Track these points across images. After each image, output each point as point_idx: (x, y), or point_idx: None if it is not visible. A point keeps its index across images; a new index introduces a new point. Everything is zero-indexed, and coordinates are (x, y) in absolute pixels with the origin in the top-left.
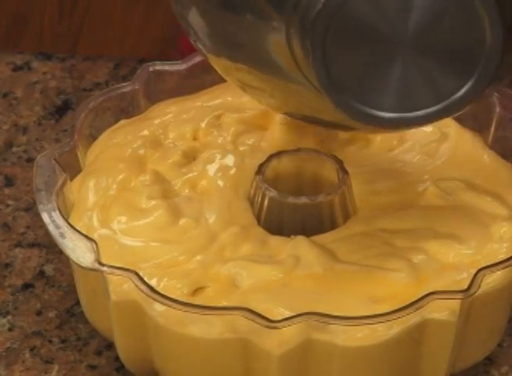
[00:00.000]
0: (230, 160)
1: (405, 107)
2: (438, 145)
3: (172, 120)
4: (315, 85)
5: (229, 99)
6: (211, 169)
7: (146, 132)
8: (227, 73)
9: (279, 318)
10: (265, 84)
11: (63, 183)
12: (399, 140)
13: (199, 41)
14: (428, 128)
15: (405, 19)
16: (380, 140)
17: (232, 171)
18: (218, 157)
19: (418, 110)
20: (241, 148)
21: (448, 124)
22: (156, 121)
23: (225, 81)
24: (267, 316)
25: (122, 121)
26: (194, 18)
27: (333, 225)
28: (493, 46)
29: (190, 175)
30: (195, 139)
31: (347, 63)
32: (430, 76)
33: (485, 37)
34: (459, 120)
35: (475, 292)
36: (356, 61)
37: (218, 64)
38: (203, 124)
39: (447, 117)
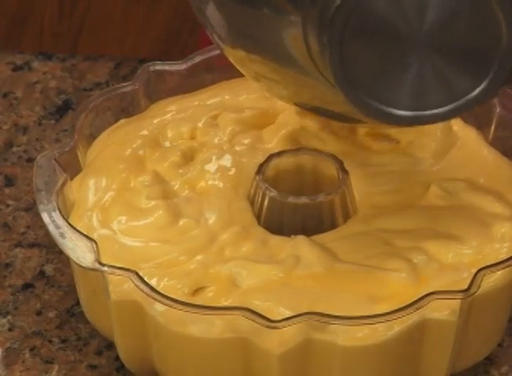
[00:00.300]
0: (229, 160)
1: (420, 106)
2: (444, 143)
3: (170, 119)
4: (330, 81)
5: (227, 97)
6: (210, 169)
7: (145, 132)
8: (242, 64)
9: (280, 318)
10: (280, 76)
11: (63, 183)
12: (404, 139)
13: (215, 34)
14: (434, 126)
15: (421, 17)
16: (386, 139)
17: (232, 171)
18: (217, 157)
19: (432, 108)
20: (239, 148)
21: (454, 122)
22: (155, 121)
23: (224, 79)
24: (267, 315)
25: (122, 121)
26: (211, 11)
27: (333, 225)
28: (509, 46)
29: (189, 175)
30: (192, 138)
31: (363, 61)
32: (445, 75)
33: (501, 36)
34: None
35: (475, 292)
36: (372, 58)
37: (234, 55)
38: (200, 124)
39: (460, 115)
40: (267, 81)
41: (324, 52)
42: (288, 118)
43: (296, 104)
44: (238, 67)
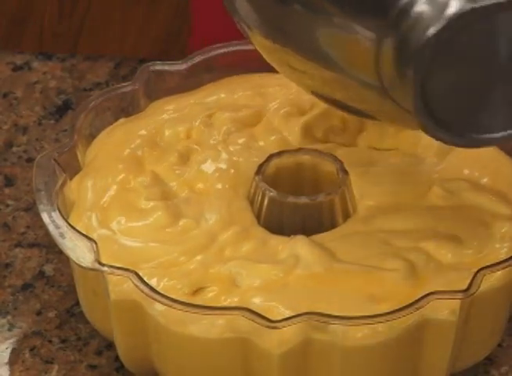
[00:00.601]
0: (226, 160)
1: (507, 125)
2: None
3: (167, 118)
4: (405, 107)
5: (223, 95)
6: (208, 170)
7: (143, 132)
8: (268, 51)
9: (279, 318)
10: (309, 69)
11: (63, 183)
12: (405, 146)
13: (243, 23)
14: None
15: (500, 44)
16: (390, 140)
17: (230, 171)
18: (213, 157)
19: None
20: (234, 147)
21: None
22: (152, 120)
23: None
24: (267, 315)
25: (121, 120)
26: (243, 5)
27: (333, 225)
28: None
29: (186, 175)
30: (189, 137)
31: (445, 91)
32: None
33: None
34: None
35: (475, 292)
36: (454, 88)
37: (260, 43)
38: (196, 124)
39: None
40: (291, 69)
41: (407, 84)
42: (274, 116)
43: (313, 92)
44: (261, 52)
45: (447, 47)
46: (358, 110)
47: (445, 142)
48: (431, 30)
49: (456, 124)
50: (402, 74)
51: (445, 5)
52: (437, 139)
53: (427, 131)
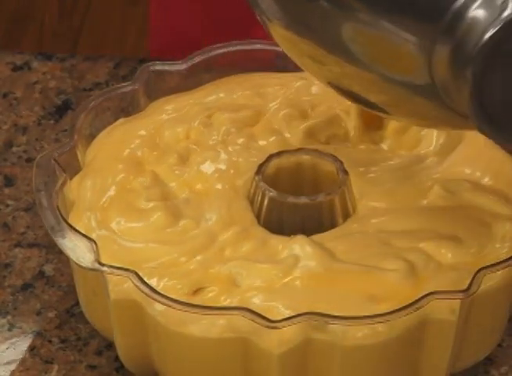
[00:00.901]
0: (225, 160)
1: None
2: (450, 140)
3: (166, 118)
4: (458, 109)
5: (222, 95)
6: (208, 170)
7: (143, 132)
8: (287, 42)
9: (279, 318)
10: (332, 63)
11: (63, 183)
12: (412, 139)
13: (264, 15)
14: None
15: None
16: (391, 140)
17: (230, 171)
18: (213, 157)
19: None
20: (234, 147)
21: None
22: (152, 120)
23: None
24: (267, 315)
25: (121, 119)
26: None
27: (332, 225)
28: None
29: (186, 176)
30: (188, 138)
31: (500, 94)
32: None
33: None
34: None
35: (475, 292)
36: (509, 90)
37: (280, 34)
38: (195, 124)
39: None
40: (311, 61)
41: (463, 86)
42: (274, 117)
43: (329, 84)
44: (280, 43)
45: (503, 49)
46: (373, 104)
47: (499, 142)
48: (489, 33)
49: (509, 123)
50: (458, 77)
51: (502, 7)
52: (491, 139)
53: (482, 131)
